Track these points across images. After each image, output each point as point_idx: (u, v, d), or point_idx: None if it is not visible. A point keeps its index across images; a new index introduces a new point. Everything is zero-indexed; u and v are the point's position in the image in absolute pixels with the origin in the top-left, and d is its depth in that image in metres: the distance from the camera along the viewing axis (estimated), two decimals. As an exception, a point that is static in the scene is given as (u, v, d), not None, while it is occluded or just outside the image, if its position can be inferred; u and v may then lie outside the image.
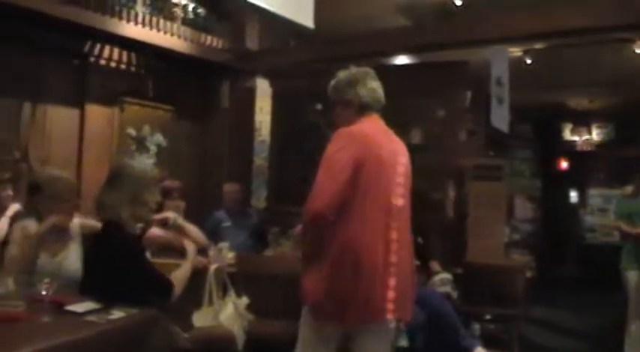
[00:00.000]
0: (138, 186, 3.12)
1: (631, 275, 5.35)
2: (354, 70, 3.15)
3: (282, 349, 3.39)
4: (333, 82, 3.17)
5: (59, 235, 3.42)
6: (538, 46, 6.77)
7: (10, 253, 3.30)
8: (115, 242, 3.04)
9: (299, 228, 3.87)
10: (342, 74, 3.16)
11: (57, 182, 3.44)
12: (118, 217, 3.06)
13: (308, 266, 2.90)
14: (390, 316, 2.89)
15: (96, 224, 3.43)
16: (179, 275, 3.21)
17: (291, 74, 6.47)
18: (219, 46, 6.74)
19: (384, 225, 2.88)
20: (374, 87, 3.09)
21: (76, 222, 3.56)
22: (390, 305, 2.86)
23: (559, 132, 12.08)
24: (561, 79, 8.46)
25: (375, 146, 2.94)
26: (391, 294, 2.85)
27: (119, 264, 2.97)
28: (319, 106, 6.49)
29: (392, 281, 2.86)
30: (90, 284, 3.01)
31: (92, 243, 3.19)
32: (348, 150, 2.86)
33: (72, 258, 3.41)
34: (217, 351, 3.38)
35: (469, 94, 6.36)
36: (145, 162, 3.25)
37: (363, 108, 3.06)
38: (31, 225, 3.39)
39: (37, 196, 3.42)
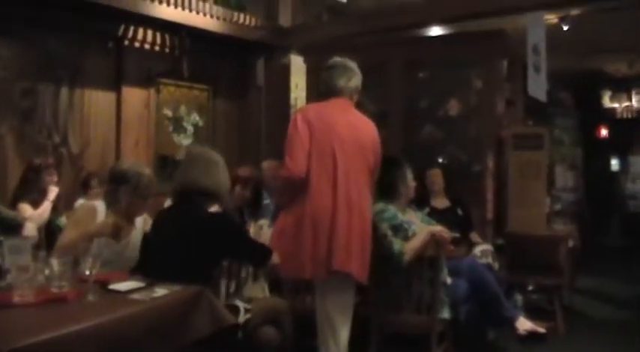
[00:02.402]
0: (224, 170, 3.39)
1: None
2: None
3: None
4: None
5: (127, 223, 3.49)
6: (575, 11, 6.62)
7: (66, 236, 3.35)
8: (220, 218, 3.34)
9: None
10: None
11: (142, 177, 3.45)
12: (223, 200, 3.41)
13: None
14: (342, 272, 3.30)
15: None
16: None
17: (325, 49, 6.44)
18: (253, 23, 6.73)
19: (332, 191, 3.32)
20: (324, 77, 3.60)
21: (141, 217, 3.63)
22: (340, 263, 3.28)
23: (599, 99, 11.85)
24: (599, 45, 8.26)
25: (328, 119, 3.42)
26: (341, 253, 3.28)
27: (228, 239, 3.21)
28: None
29: (340, 242, 3.28)
30: (180, 263, 3.06)
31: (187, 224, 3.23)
32: (302, 120, 3.40)
33: (133, 246, 3.47)
34: (273, 322, 3.43)
35: (506, 63, 6.26)
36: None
37: (323, 94, 3.59)
38: (101, 208, 3.44)
39: (123, 187, 3.42)
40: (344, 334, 3.44)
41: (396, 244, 3.75)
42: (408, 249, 3.75)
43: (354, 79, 3.59)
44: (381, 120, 5.65)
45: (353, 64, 3.64)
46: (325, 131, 3.38)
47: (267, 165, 6.10)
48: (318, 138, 3.36)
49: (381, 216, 3.84)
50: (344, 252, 3.30)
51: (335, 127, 3.41)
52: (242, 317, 3.28)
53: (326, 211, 3.29)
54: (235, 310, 3.27)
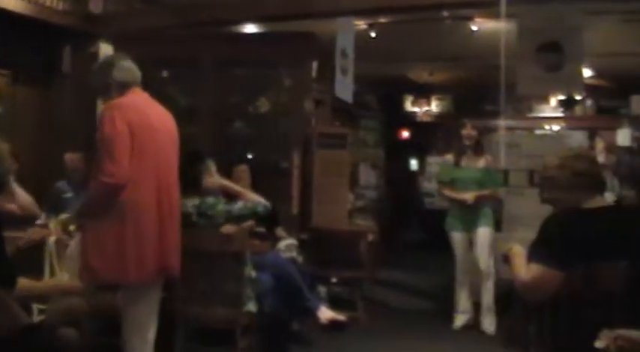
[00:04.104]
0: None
1: (456, 236, 5.70)
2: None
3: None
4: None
5: None
6: (382, 20, 6.98)
7: None
8: None
9: None
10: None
11: None
12: None
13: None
14: (165, 273, 3.32)
15: None
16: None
17: (136, 40, 6.29)
18: (60, 7, 6.40)
19: (156, 187, 3.22)
20: (128, 66, 3.41)
21: None
22: (174, 264, 3.32)
23: (401, 103, 12.59)
24: (404, 52, 8.77)
25: (144, 113, 3.29)
26: (165, 253, 3.26)
27: None
28: (165, 73, 6.36)
29: (165, 240, 3.25)
30: None
31: None
32: (121, 118, 3.16)
33: None
34: (70, 322, 3.31)
35: (316, 65, 6.47)
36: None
37: (123, 86, 3.34)
38: None
39: None
40: (151, 330, 3.39)
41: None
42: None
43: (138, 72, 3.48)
44: (191, 114, 5.67)
45: None
46: (146, 128, 3.24)
47: (70, 156, 5.88)
48: (139, 135, 3.18)
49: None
50: (172, 251, 3.31)
51: (153, 122, 3.31)
52: (35, 318, 3.14)
53: (151, 212, 3.19)
54: (27, 310, 3.12)
